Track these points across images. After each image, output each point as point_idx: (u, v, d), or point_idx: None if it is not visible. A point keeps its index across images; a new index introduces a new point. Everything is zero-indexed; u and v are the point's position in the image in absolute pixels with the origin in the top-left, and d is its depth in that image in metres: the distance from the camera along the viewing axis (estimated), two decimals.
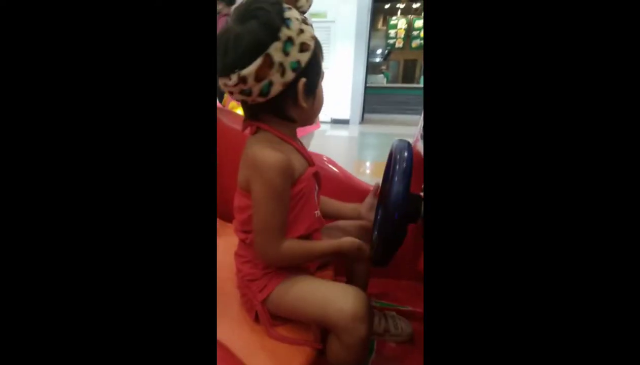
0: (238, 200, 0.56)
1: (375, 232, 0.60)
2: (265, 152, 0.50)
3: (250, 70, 0.45)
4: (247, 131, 0.56)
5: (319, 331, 0.57)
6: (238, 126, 0.82)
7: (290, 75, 0.47)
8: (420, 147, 0.74)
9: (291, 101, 0.50)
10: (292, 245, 0.53)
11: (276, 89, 0.47)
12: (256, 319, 0.57)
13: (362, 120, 4.83)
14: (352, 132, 4.18)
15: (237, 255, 0.62)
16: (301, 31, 0.47)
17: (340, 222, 0.71)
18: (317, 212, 0.59)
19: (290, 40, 0.46)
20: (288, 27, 0.46)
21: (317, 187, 0.59)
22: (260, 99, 0.48)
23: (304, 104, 0.50)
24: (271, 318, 0.57)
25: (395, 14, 6.30)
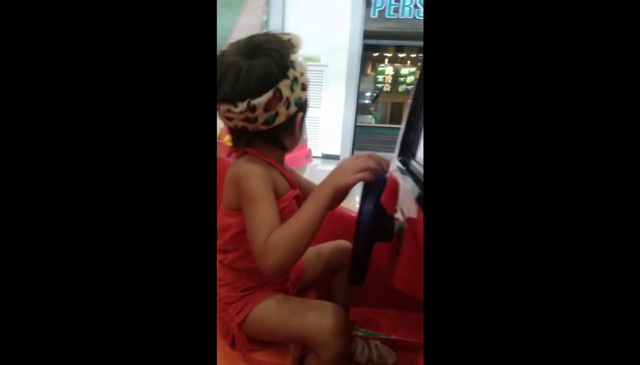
0: (221, 220, 0.57)
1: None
2: (246, 166, 0.54)
3: (261, 100, 0.50)
4: (232, 157, 0.59)
5: (297, 354, 0.57)
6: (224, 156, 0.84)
7: (293, 109, 0.54)
8: (396, 172, 0.76)
9: (288, 131, 0.58)
10: (276, 235, 0.48)
11: (280, 119, 0.54)
12: (232, 345, 0.56)
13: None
14: None
15: (217, 278, 0.61)
16: (302, 74, 0.55)
17: (315, 247, 0.72)
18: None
19: (295, 79, 0.53)
20: (294, 68, 0.53)
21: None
22: (263, 127, 0.53)
23: (297, 134, 0.59)
24: (248, 342, 0.56)
25: (383, 61, 6.83)
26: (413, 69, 6.79)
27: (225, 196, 0.57)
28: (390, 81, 6.88)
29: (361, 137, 5.52)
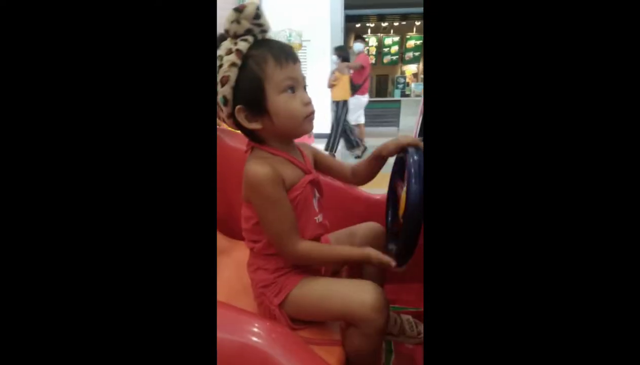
0: (243, 211, 0.60)
1: (391, 232, 0.64)
2: (252, 168, 0.53)
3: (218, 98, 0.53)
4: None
5: (342, 329, 0.58)
6: (240, 145, 0.85)
7: (226, 110, 0.53)
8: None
9: (245, 127, 0.55)
10: (310, 246, 0.56)
11: (229, 123, 0.55)
12: None
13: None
14: None
15: (248, 264, 0.63)
16: (220, 66, 0.50)
17: (347, 229, 0.73)
18: (318, 218, 0.61)
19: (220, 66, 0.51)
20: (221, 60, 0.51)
21: (316, 194, 0.61)
22: (235, 130, 0.57)
23: (254, 126, 0.54)
24: (291, 322, 0.58)
25: (366, 32, 6.65)
26: (397, 39, 6.64)
27: (243, 189, 0.57)
28: (374, 53, 6.73)
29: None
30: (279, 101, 0.53)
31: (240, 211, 0.61)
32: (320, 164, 0.67)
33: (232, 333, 0.42)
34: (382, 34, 6.68)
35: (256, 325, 0.44)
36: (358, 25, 6.46)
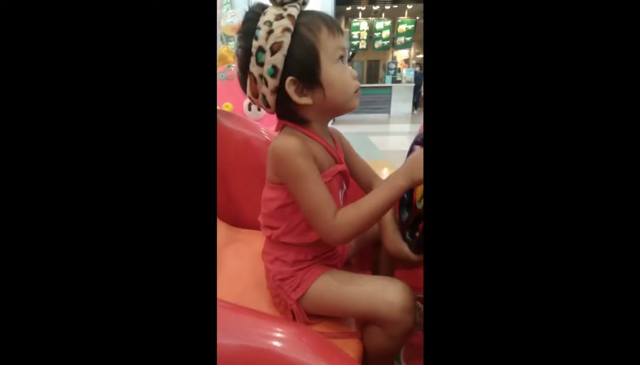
0: (265, 193, 0.55)
1: (407, 229, 0.59)
2: (281, 141, 0.49)
3: (248, 91, 0.49)
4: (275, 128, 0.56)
5: (359, 324, 0.57)
6: (240, 128, 0.80)
7: (273, 82, 0.47)
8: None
9: (292, 104, 0.48)
10: (346, 212, 0.49)
11: (271, 99, 0.48)
12: (293, 319, 0.56)
13: (334, 121, 4.92)
14: None
15: (264, 253, 0.60)
16: (270, 32, 0.45)
17: None
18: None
19: (261, 49, 0.46)
20: (257, 37, 0.46)
21: (343, 186, 0.57)
22: (270, 111, 0.50)
23: (305, 101, 0.48)
24: (307, 317, 0.56)
25: (357, 16, 6.49)
26: (388, 23, 6.49)
27: (268, 170, 0.53)
28: (365, 37, 6.58)
29: None
30: (334, 71, 0.48)
31: (239, 198, 0.58)
32: (346, 159, 0.61)
33: (253, 339, 0.40)
34: (373, 18, 6.51)
35: (282, 330, 0.42)
36: (349, 8, 6.27)
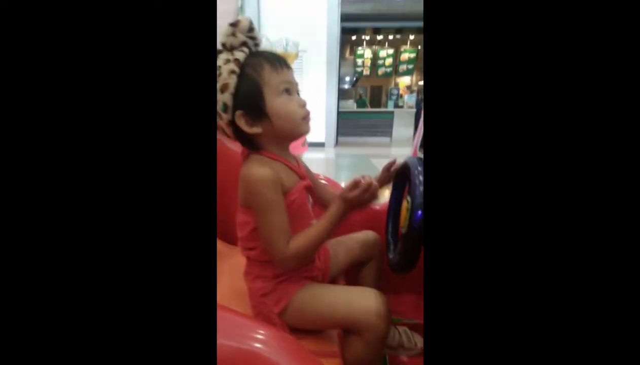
0: (239, 218, 0.59)
1: (392, 242, 0.64)
2: (252, 170, 0.54)
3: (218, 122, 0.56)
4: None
5: (340, 338, 0.58)
6: (233, 145, 0.84)
7: (226, 117, 0.54)
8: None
9: (245, 133, 0.55)
10: (296, 241, 0.54)
11: (228, 130, 0.56)
12: None
13: (337, 143, 5.03)
14: (328, 154, 4.32)
15: (245, 273, 0.62)
16: (219, 76, 0.52)
17: (344, 237, 0.73)
18: (314, 222, 0.60)
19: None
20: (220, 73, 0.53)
21: (310, 200, 0.62)
22: (233, 139, 0.57)
23: (255, 130, 0.55)
24: (290, 332, 0.56)
25: (362, 44, 6.79)
26: (391, 51, 6.78)
27: (239, 195, 0.58)
28: (369, 65, 6.86)
29: (344, 122, 5.53)
30: (277, 103, 0.54)
31: (232, 215, 0.60)
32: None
33: (237, 340, 0.41)
34: (377, 47, 6.83)
35: (263, 332, 0.43)
36: (354, 37, 6.60)
